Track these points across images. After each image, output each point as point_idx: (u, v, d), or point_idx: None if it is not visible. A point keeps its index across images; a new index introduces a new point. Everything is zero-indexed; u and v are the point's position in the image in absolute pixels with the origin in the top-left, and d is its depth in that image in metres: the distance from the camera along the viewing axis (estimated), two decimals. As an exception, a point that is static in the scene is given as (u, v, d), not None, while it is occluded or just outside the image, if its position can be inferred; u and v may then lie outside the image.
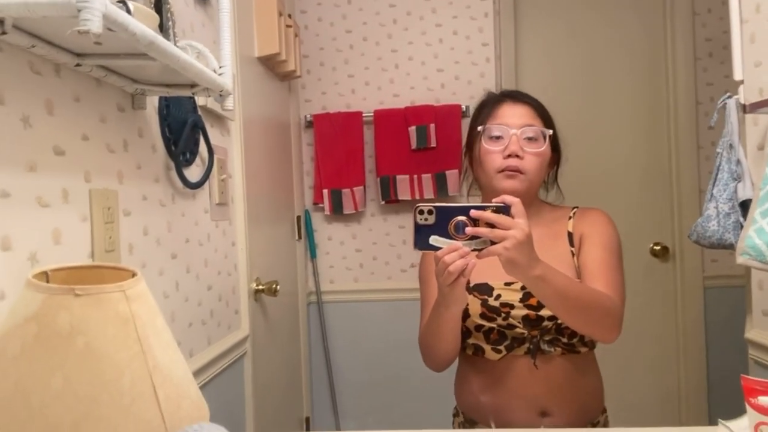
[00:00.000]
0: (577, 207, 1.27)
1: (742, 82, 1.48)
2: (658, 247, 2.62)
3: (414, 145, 2.48)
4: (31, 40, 0.80)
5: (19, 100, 0.82)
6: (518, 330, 1.14)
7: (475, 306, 1.16)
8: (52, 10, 0.67)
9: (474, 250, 0.95)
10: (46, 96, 0.88)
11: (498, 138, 1.18)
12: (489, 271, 1.06)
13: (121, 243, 1.06)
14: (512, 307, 1.14)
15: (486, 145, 1.19)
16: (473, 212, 0.94)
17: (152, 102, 1.22)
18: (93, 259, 0.97)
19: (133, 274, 0.70)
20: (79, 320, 0.61)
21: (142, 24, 0.78)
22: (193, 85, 1.09)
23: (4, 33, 0.76)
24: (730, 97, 1.52)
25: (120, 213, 1.06)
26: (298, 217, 2.49)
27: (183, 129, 1.30)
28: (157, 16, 0.90)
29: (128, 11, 0.78)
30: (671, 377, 2.62)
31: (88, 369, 0.61)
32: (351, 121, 2.53)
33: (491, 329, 1.16)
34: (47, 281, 0.67)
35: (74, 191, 0.93)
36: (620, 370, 2.55)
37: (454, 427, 1.29)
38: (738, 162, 1.47)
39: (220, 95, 1.12)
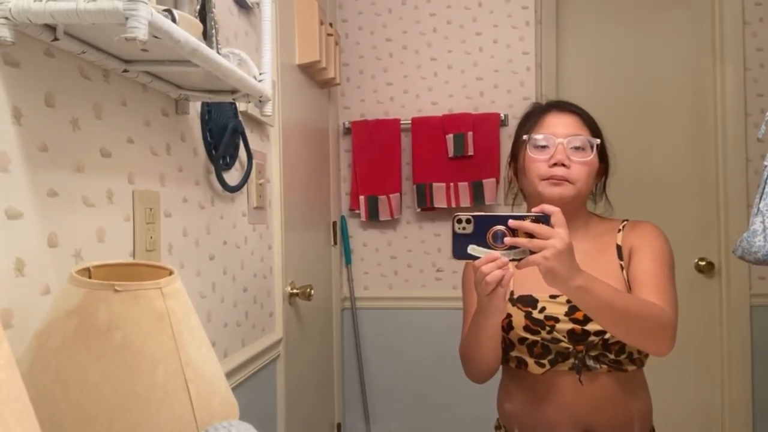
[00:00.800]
0: (627, 220, 1.24)
1: (792, 93, 1.42)
2: (703, 263, 2.54)
3: (451, 153, 2.47)
4: (81, 47, 0.84)
5: (69, 104, 0.86)
6: (563, 344, 1.12)
7: (519, 318, 1.15)
8: (101, 17, 0.71)
9: (513, 260, 0.94)
10: (95, 100, 0.91)
11: (544, 147, 1.16)
12: (534, 283, 1.05)
13: (162, 243, 1.10)
14: (557, 320, 1.12)
15: (531, 153, 1.17)
16: (512, 222, 0.94)
17: (195, 107, 1.26)
18: (134, 257, 1.00)
19: (170, 273, 0.72)
20: (117, 315, 0.64)
21: (186, 32, 0.81)
22: (234, 91, 1.12)
23: (56, 39, 0.80)
24: (779, 108, 1.47)
25: (161, 214, 1.10)
26: (334, 223, 2.52)
27: (224, 134, 1.34)
28: (200, 25, 0.93)
29: (173, 19, 0.81)
30: (715, 397, 2.53)
31: (124, 362, 0.63)
32: (389, 128, 2.55)
33: (535, 342, 1.14)
34: (89, 277, 0.70)
35: (118, 192, 0.97)
36: (662, 388, 2.47)
37: (496, 439, 1.27)
38: (787, 176, 1.42)
39: (260, 101, 1.15)
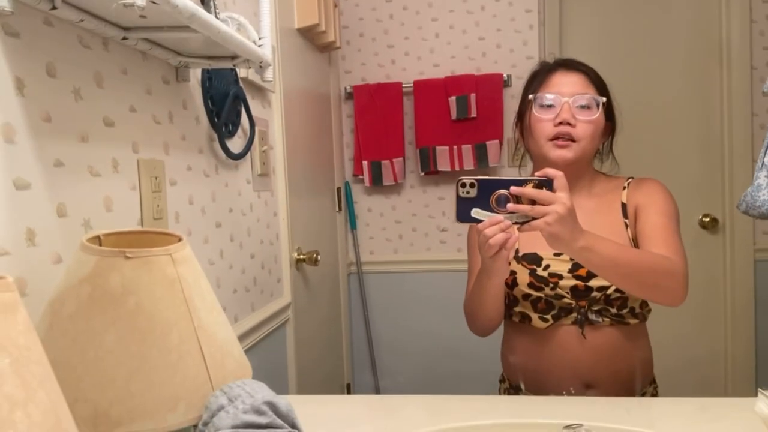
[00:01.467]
0: (632, 177, 1.24)
1: (799, 44, 1.40)
2: (707, 219, 2.54)
3: (454, 116, 2.46)
4: (79, 15, 0.83)
5: (71, 73, 0.85)
6: (566, 300, 1.14)
7: (523, 275, 1.17)
8: (98, -15, 0.70)
9: (516, 223, 0.96)
10: (96, 69, 0.91)
11: (550, 107, 1.16)
12: (539, 241, 1.06)
13: (169, 211, 1.11)
14: (561, 277, 1.14)
15: (537, 113, 1.17)
16: (514, 189, 0.95)
17: (195, 75, 1.25)
18: (142, 226, 1.01)
19: (179, 239, 0.73)
20: (129, 281, 0.65)
21: (183, -4, 0.80)
22: (233, 57, 1.11)
23: (54, 8, 0.79)
24: (786, 60, 1.45)
25: (167, 182, 1.10)
26: (338, 189, 2.52)
27: (225, 101, 1.33)
28: (198, -11, 0.92)
29: (170, -16, 0.80)
30: (718, 350, 2.57)
31: (138, 327, 0.64)
32: (390, 92, 2.53)
33: (539, 299, 1.16)
34: (99, 245, 0.71)
35: (123, 161, 0.97)
36: (667, 340, 2.51)
37: (500, 393, 1.30)
38: (793, 129, 1.41)
39: (260, 66, 1.14)
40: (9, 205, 0.73)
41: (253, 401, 0.64)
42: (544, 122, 1.16)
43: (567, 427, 0.81)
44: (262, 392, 0.66)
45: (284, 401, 0.66)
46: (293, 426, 0.65)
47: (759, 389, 0.76)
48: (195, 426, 0.68)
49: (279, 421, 0.63)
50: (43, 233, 0.79)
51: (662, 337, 2.48)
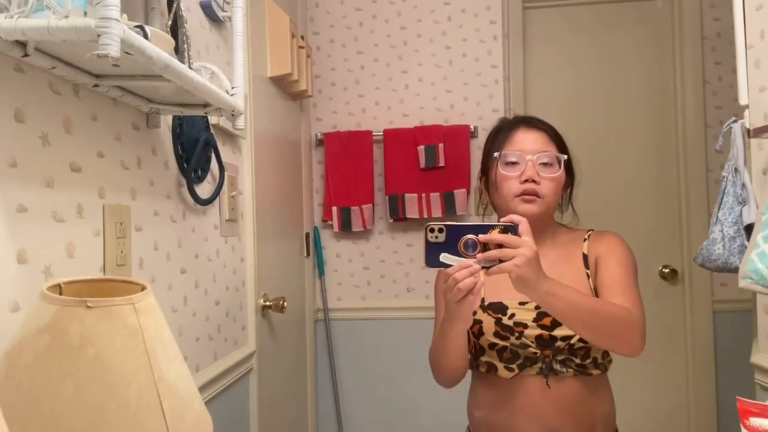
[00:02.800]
0: (592, 230, 1.29)
1: (747, 106, 1.49)
2: (667, 270, 2.61)
3: (423, 164, 2.50)
4: (51, 62, 0.84)
5: (39, 119, 0.85)
6: (531, 349, 1.16)
7: (489, 324, 1.18)
8: (73, 35, 0.71)
9: (483, 267, 0.97)
10: (65, 115, 0.91)
11: (514, 164, 1.21)
12: (504, 290, 1.08)
13: (132, 257, 1.09)
14: (526, 326, 1.16)
15: (503, 171, 1.22)
16: (481, 237, 0.97)
17: (166, 121, 1.26)
18: (104, 272, 0.99)
19: (143, 288, 0.73)
20: (89, 331, 0.64)
21: (158, 48, 0.81)
22: (205, 105, 1.12)
23: (26, 55, 0.80)
24: (735, 121, 1.53)
25: (132, 228, 1.09)
26: (307, 234, 2.52)
27: (195, 147, 1.34)
28: (172, 40, 0.94)
29: (145, 36, 0.82)
30: (680, 400, 2.60)
31: (97, 378, 0.63)
32: (361, 139, 2.57)
33: (504, 348, 1.18)
34: (60, 293, 0.70)
35: (89, 206, 0.96)
36: (629, 392, 2.54)
37: (466, 446, 1.29)
38: (743, 186, 1.48)
39: (232, 115, 1.16)
40: (-33, 251, 0.72)
41: (213, 457, 0.62)
42: (510, 180, 1.21)
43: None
44: (223, 447, 0.64)
45: (245, 456, 0.64)
46: (254, 483, 0.63)
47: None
48: (151, 483, 0.66)
49: (239, 478, 0.62)
50: (2, 280, 0.77)
51: (624, 388, 2.50)
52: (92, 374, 0.63)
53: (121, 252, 1.04)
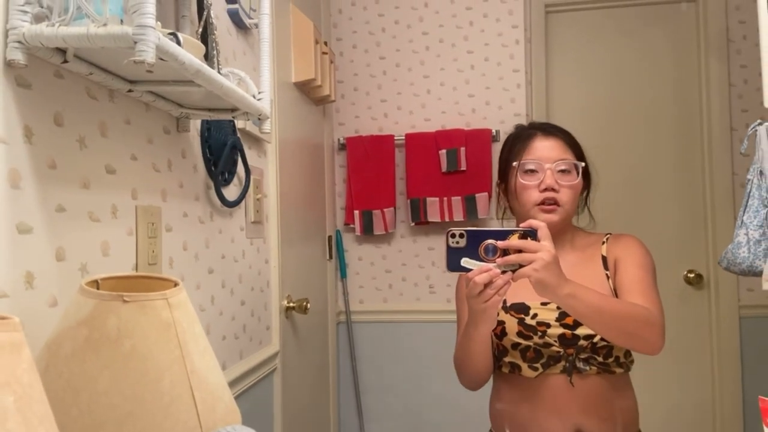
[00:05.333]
0: (610, 233, 1.30)
1: (772, 109, 1.48)
2: (692, 275, 2.58)
3: (444, 168, 2.52)
4: (89, 68, 0.88)
5: (77, 123, 0.89)
6: (554, 348, 1.17)
7: (512, 325, 1.20)
8: (111, 42, 0.75)
9: (504, 271, 0.99)
10: (101, 119, 0.95)
11: (533, 172, 1.23)
12: (525, 291, 1.10)
13: (163, 257, 1.13)
14: (548, 326, 1.18)
15: (522, 180, 1.23)
16: (501, 243, 1.00)
17: (195, 125, 1.29)
18: (137, 270, 1.03)
19: (175, 284, 0.76)
20: (126, 325, 0.67)
21: (190, 54, 0.85)
22: (233, 110, 1.15)
23: (65, 62, 0.83)
24: (761, 124, 1.52)
25: (162, 228, 1.13)
26: (330, 237, 2.55)
27: (223, 150, 1.37)
28: (203, 46, 0.97)
29: (178, 42, 0.85)
30: (706, 405, 2.56)
31: (132, 370, 0.66)
32: (383, 144, 2.59)
33: (528, 347, 1.19)
34: (97, 289, 0.73)
35: (122, 207, 1.00)
36: (655, 394, 2.51)
37: (488, 447, 1.30)
38: (769, 189, 1.47)
39: (259, 119, 1.19)
40: (10, 248, 0.75)
41: (243, 446, 0.65)
42: (530, 189, 1.22)
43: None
44: (252, 438, 0.67)
45: (273, 447, 0.67)
46: (281, 472, 0.66)
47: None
48: (183, 472, 0.68)
49: (268, 467, 0.64)
50: (42, 276, 0.81)
51: (650, 390, 2.49)
52: (128, 366, 0.66)
53: (153, 251, 1.07)
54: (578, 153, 1.26)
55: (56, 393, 0.65)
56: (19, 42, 0.75)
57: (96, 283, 0.74)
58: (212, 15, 1.21)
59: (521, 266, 0.99)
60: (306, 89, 2.17)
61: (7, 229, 0.75)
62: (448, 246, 1.01)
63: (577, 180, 1.22)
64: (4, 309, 0.74)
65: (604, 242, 1.27)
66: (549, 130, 1.27)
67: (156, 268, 1.09)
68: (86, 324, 0.67)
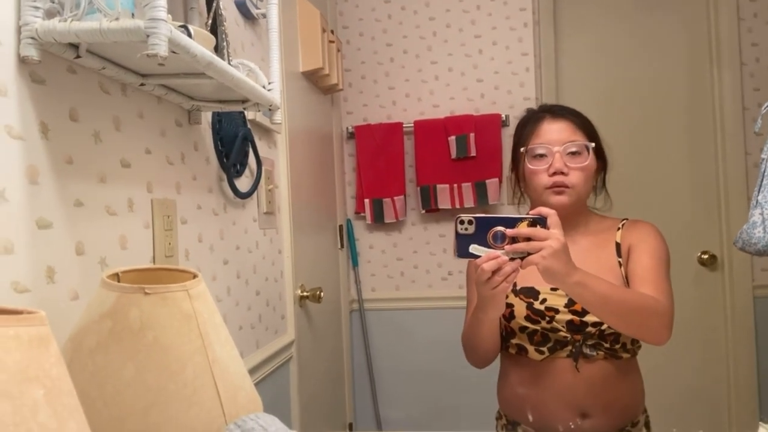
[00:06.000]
0: (626, 219, 1.29)
1: (787, 87, 1.46)
2: (705, 256, 2.57)
3: (454, 155, 2.51)
4: (101, 63, 0.88)
5: (91, 118, 0.90)
6: (561, 333, 1.17)
7: (520, 308, 1.20)
8: (123, 36, 0.75)
9: (512, 258, 0.99)
10: (114, 113, 0.95)
11: (542, 156, 1.22)
12: (536, 275, 1.10)
13: (179, 249, 1.14)
14: (557, 311, 1.17)
15: (531, 165, 1.23)
16: (509, 231, 0.99)
17: (206, 117, 1.30)
18: (154, 263, 1.04)
19: (194, 276, 0.76)
20: (148, 316, 0.67)
21: (201, 46, 0.85)
22: (244, 101, 1.16)
23: (78, 57, 0.84)
24: (774, 102, 1.50)
25: (178, 221, 1.14)
26: (341, 226, 2.55)
27: (234, 142, 1.38)
28: (213, 38, 0.97)
29: (189, 35, 0.85)
30: (720, 385, 2.56)
31: (156, 361, 0.67)
32: (391, 131, 2.59)
33: (535, 331, 1.19)
34: (118, 282, 0.74)
35: (138, 201, 1.00)
36: (670, 378, 2.51)
37: (497, 430, 1.31)
38: (784, 168, 1.46)
39: (270, 110, 1.19)
40: (31, 243, 0.76)
41: (267, 434, 0.65)
42: (539, 173, 1.22)
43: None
44: (275, 426, 0.68)
45: (296, 434, 0.68)
46: (305, 459, 0.67)
47: (760, 422, 0.77)
48: (207, 460, 0.69)
49: (291, 454, 0.65)
50: (62, 271, 0.82)
51: (665, 374, 2.49)
52: (152, 357, 0.67)
53: (169, 244, 1.08)
54: (590, 134, 1.24)
55: (81, 386, 0.66)
56: (32, 38, 0.76)
57: (117, 276, 0.75)
58: (221, 6, 1.20)
59: (530, 253, 0.99)
60: (314, 78, 2.16)
61: (28, 225, 0.76)
62: (456, 232, 1.01)
63: (587, 161, 1.21)
64: (27, 303, 0.75)
65: (619, 228, 1.26)
66: (558, 112, 1.25)
67: (173, 260, 1.10)
68: (109, 316, 0.68)
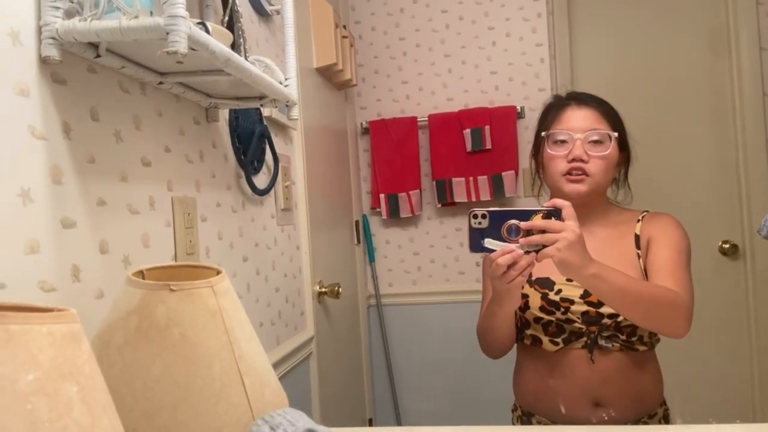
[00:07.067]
0: (647, 211, 1.26)
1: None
2: (727, 245, 2.53)
3: (469, 148, 2.49)
4: (121, 62, 0.88)
5: (112, 117, 0.90)
6: (576, 325, 1.16)
7: (535, 299, 1.19)
8: (143, 34, 0.75)
9: (527, 252, 0.98)
10: (134, 112, 0.96)
11: (563, 142, 1.20)
12: (551, 266, 1.09)
13: (200, 246, 1.14)
14: (572, 302, 1.16)
15: (550, 150, 1.21)
16: (523, 224, 0.98)
17: (223, 115, 1.30)
18: (176, 261, 1.04)
19: (218, 272, 0.76)
20: (174, 313, 0.68)
21: (219, 42, 0.84)
22: (261, 97, 1.16)
23: (98, 56, 0.84)
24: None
25: (198, 219, 1.14)
26: (357, 222, 2.55)
27: (251, 139, 1.38)
28: (230, 35, 0.97)
29: (207, 31, 0.85)
30: (745, 377, 2.53)
31: (183, 357, 0.67)
32: (406, 126, 2.58)
33: (549, 322, 1.18)
34: (143, 279, 0.74)
35: (159, 199, 1.01)
36: (693, 369, 2.48)
37: (513, 422, 1.30)
38: (809, 153, 1.43)
39: (286, 106, 1.19)
40: (56, 243, 0.77)
41: (295, 429, 0.65)
42: (557, 159, 1.20)
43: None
44: (302, 420, 0.68)
45: (324, 429, 0.67)
46: (334, 453, 0.66)
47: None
48: (235, 455, 0.69)
49: (320, 448, 0.65)
50: (87, 269, 0.82)
51: (687, 365, 2.46)
52: (179, 353, 0.67)
53: (190, 241, 1.08)
54: (615, 124, 1.22)
55: (111, 382, 0.66)
56: (53, 38, 0.76)
57: (141, 274, 0.75)
58: (236, 2, 1.20)
59: (545, 246, 0.97)
60: (328, 74, 2.16)
61: (53, 225, 0.76)
62: (470, 227, 1.00)
63: (609, 150, 1.18)
64: (54, 302, 0.75)
65: (639, 220, 1.23)
66: (583, 99, 1.23)
67: (194, 257, 1.10)
68: (136, 313, 0.68)
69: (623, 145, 1.24)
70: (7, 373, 0.42)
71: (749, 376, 2.52)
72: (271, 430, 0.66)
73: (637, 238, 1.21)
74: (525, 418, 1.26)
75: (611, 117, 1.22)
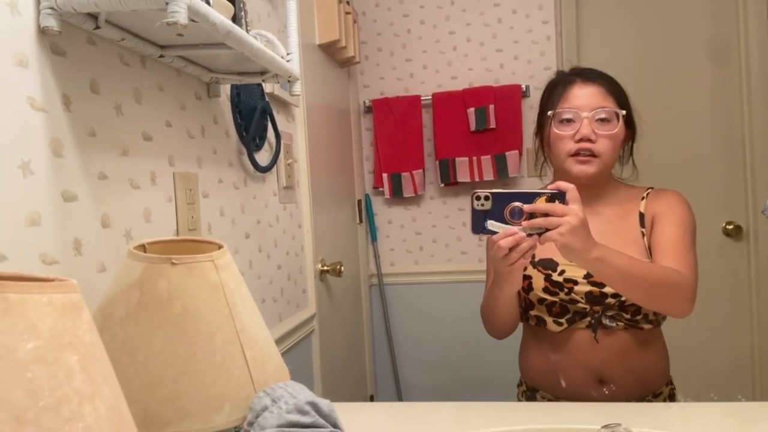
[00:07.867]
0: (651, 188, 1.25)
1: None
2: (731, 226, 2.52)
3: (473, 127, 2.48)
4: (121, 34, 0.87)
5: (112, 90, 0.89)
6: (580, 305, 1.16)
7: (538, 280, 1.18)
8: (142, 4, 0.74)
9: (529, 234, 0.97)
10: (135, 85, 0.95)
11: (569, 121, 1.17)
12: (554, 247, 1.08)
13: (202, 222, 1.14)
14: (576, 283, 1.16)
15: (557, 129, 1.18)
16: (527, 207, 0.97)
17: (225, 90, 1.29)
18: (178, 236, 1.04)
19: (219, 247, 0.76)
20: (175, 286, 0.67)
21: (220, 14, 0.83)
22: (263, 72, 1.14)
23: (97, 27, 0.83)
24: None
25: (200, 194, 1.14)
26: (359, 201, 2.55)
27: (253, 115, 1.37)
28: (231, 7, 0.96)
29: (208, 2, 0.84)
30: (745, 357, 2.54)
31: (185, 330, 0.67)
32: (409, 105, 2.56)
33: (553, 303, 1.18)
34: (145, 253, 0.74)
35: (161, 174, 1.00)
36: (693, 348, 2.49)
37: (518, 397, 1.31)
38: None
39: (288, 81, 1.17)
40: (58, 216, 0.77)
41: (296, 401, 0.66)
42: (564, 139, 1.17)
43: (605, 426, 0.82)
44: (304, 393, 0.68)
45: (326, 402, 0.68)
46: (335, 426, 0.67)
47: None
48: (236, 428, 0.70)
49: (322, 421, 0.65)
50: (89, 243, 0.82)
51: (689, 345, 2.46)
52: (180, 326, 0.67)
53: (192, 217, 1.08)
54: (621, 100, 1.19)
55: (112, 355, 0.66)
56: (51, 8, 0.75)
57: (143, 248, 0.75)
58: (237, -24, 1.18)
59: (548, 229, 0.97)
60: (330, 51, 2.14)
61: (54, 198, 0.76)
62: (473, 208, 0.99)
63: (616, 129, 1.16)
64: (56, 275, 0.75)
65: (643, 198, 1.22)
66: (589, 76, 1.21)
67: (196, 233, 1.10)
68: (137, 287, 0.68)
69: (629, 122, 1.23)
70: (7, 341, 0.42)
71: (749, 356, 2.53)
72: (273, 402, 0.66)
73: (641, 216, 1.20)
74: (530, 393, 1.27)
75: (618, 94, 1.20)
